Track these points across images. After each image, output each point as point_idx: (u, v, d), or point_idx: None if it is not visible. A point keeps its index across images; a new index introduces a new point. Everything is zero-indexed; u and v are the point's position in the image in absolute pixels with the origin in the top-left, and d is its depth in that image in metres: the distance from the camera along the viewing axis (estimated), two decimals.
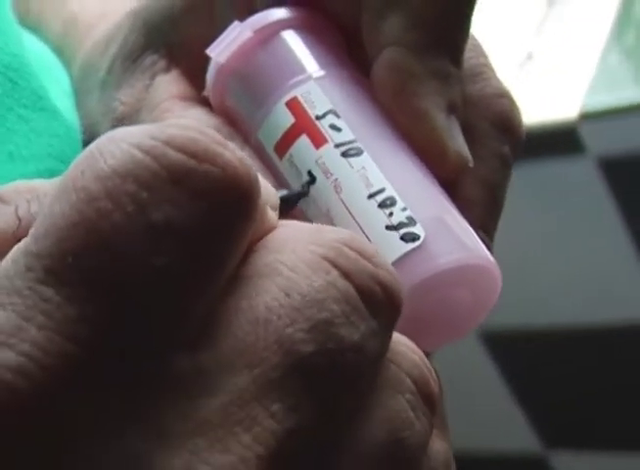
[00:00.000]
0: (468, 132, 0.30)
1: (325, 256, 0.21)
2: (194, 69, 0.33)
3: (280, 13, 0.31)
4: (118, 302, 0.19)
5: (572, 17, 1.28)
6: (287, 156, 0.29)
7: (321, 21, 0.32)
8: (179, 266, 0.19)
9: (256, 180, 0.21)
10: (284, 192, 0.26)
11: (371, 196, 0.27)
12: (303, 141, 0.28)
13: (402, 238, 0.26)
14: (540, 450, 1.46)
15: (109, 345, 0.19)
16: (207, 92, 0.32)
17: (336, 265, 0.21)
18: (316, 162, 0.28)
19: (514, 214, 1.32)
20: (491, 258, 0.27)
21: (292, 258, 0.21)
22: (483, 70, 0.32)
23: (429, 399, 0.23)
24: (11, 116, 0.33)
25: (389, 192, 0.27)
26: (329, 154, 0.28)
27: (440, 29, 0.30)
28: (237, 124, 0.31)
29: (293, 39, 0.31)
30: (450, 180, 0.30)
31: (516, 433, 1.44)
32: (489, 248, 0.29)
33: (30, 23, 0.42)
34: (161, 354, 0.20)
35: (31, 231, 0.20)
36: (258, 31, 0.31)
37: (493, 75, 0.32)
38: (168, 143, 0.19)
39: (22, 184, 0.23)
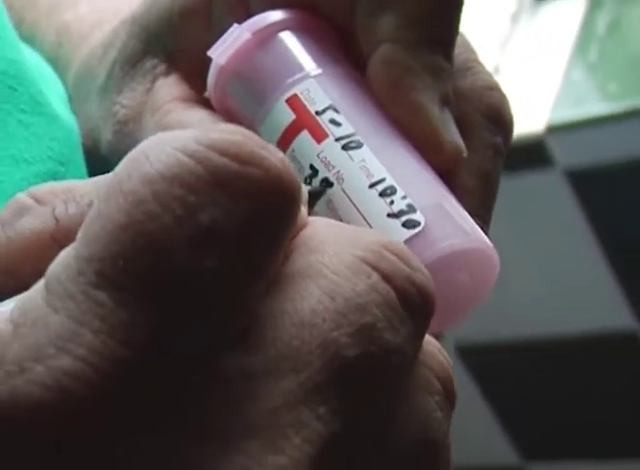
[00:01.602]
0: (461, 124, 0.32)
1: (365, 259, 0.22)
2: (193, 72, 0.34)
3: (277, 15, 0.32)
4: (169, 305, 0.19)
5: (537, 33, 1.30)
6: (289, 151, 0.30)
7: (317, 21, 0.33)
8: (227, 268, 0.20)
9: (298, 183, 0.21)
10: (309, 187, 0.27)
11: (372, 186, 0.28)
12: (305, 136, 0.29)
13: (404, 225, 0.27)
14: (517, 463, 1.46)
15: (160, 348, 0.19)
16: (209, 93, 0.33)
17: (376, 269, 0.22)
18: (318, 155, 0.29)
19: None
20: (489, 242, 0.28)
21: (334, 260, 0.22)
22: (473, 65, 0.33)
23: (452, 400, 0.23)
24: (11, 120, 0.34)
25: (389, 181, 0.28)
26: (330, 147, 0.29)
27: (432, 26, 0.31)
28: (238, 123, 0.32)
29: (290, 40, 0.32)
30: (446, 171, 0.31)
31: (493, 446, 1.45)
32: (485, 233, 0.30)
33: (24, 33, 0.43)
34: (211, 357, 0.20)
35: (80, 234, 0.20)
36: (257, 33, 0.32)
37: (483, 69, 0.34)
38: (213, 147, 0.20)
39: (57, 185, 0.24)
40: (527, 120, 1.18)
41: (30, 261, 0.23)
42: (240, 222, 0.20)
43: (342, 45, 0.33)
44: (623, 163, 1.18)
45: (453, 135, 0.31)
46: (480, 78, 0.33)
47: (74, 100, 0.38)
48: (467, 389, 1.40)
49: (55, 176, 0.35)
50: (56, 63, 0.40)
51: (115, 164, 0.34)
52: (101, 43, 0.37)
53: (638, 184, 1.19)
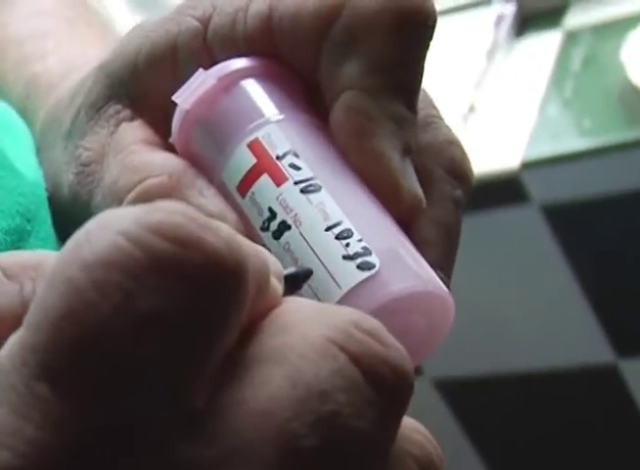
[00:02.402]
0: (422, 177, 0.32)
1: (333, 339, 0.21)
2: (158, 119, 0.34)
3: (241, 62, 0.33)
4: (110, 397, 0.19)
5: (512, 70, 1.32)
6: (249, 194, 0.30)
7: (280, 69, 0.33)
8: (169, 357, 0.19)
9: (243, 259, 0.20)
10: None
11: (329, 228, 0.28)
12: (264, 180, 0.30)
13: (359, 267, 0.27)
14: None
15: (106, 441, 0.19)
16: (174, 138, 0.33)
17: (344, 349, 0.21)
18: (277, 198, 0.29)
19: (461, 264, 1.34)
20: (444, 286, 0.29)
21: (299, 342, 0.21)
22: (434, 120, 0.34)
23: None
24: None
25: (346, 224, 0.28)
26: (289, 191, 0.29)
27: (396, 75, 0.31)
28: (201, 167, 0.32)
29: (253, 86, 0.32)
30: (406, 220, 0.31)
31: None
32: (447, 285, 0.30)
33: None
34: (158, 449, 0.19)
35: (25, 321, 0.20)
36: (221, 79, 0.32)
37: (444, 125, 0.34)
38: (153, 229, 0.19)
39: (27, 257, 0.23)
40: (503, 156, 1.19)
41: None
42: (180, 309, 0.19)
43: (306, 93, 0.33)
44: (599, 198, 1.18)
45: (413, 184, 0.31)
46: (442, 133, 0.33)
47: (41, 148, 0.38)
48: (446, 424, 1.40)
49: (22, 234, 0.35)
50: (24, 114, 0.41)
51: (76, 208, 0.34)
52: (68, 92, 0.37)
53: (614, 219, 1.20)
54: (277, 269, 0.23)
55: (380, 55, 0.31)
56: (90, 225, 0.20)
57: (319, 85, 0.32)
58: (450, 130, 0.34)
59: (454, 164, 0.33)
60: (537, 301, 1.29)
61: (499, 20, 1.32)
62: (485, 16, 1.34)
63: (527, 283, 1.28)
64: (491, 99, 1.27)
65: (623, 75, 1.16)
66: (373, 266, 0.27)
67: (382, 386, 0.21)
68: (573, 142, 1.18)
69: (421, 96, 0.33)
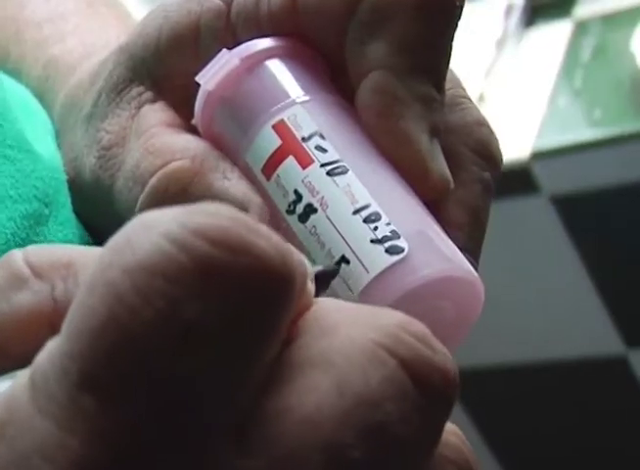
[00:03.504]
0: (449, 158, 0.31)
1: (382, 344, 0.20)
2: (180, 100, 0.34)
3: (266, 42, 0.32)
4: (157, 409, 0.18)
5: (522, 60, 1.31)
6: (274, 177, 0.30)
7: (305, 50, 0.33)
8: (214, 366, 0.18)
9: (292, 264, 0.19)
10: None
11: (356, 211, 0.28)
12: (290, 162, 0.29)
13: (387, 251, 0.27)
14: None
15: (151, 454, 0.18)
16: (196, 119, 0.33)
17: (394, 354, 0.20)
18: (302, 181, 0.29)
19: None
20: (473, 271, 0.28)
21: (347, 345, 0.20)
22: (463, 101, 0.33)
23: None
24: None
25: (374, 208, 0.28)
26: (315, 173, 0.29)
27: (424, 55, 0.31)
28: (225, 149, 0.32)
29: (278, 67, 0.32)
30: (433, 201, 0.30)
31: None
32: (475, 268, 0.29)
33: (10, 68, 0.43)
34: (206, 459, 0.19)
35: (64, 326, 0.19)
36: (245, 59, 0.32)
37: (472, 105, 0.33)
38: (198, 232, 0.18)
39: (58, 256, 0.22)
40: (513, 147, 1.19)
41: (21, 341, 0.22)
42: (228, 317, 0.18)
43: (331, 73, 0.33)
44: (609, 188, 1.18)
45: (441, 166, 0.30)
46: (470, 114, 0.33)
47: (60, 132, 0.38)
48: (454, 415, 1.40)
49: (40, 218, 0.34)
50: (43, 96, 0.40)
51: (98, 192, 0.34)
52: (88, 75, 0.37)
53: (624, 210, 1.20)
54: (310, 271, 0.22)
55: (407, 34, 0.31)
56: (130, 226, 0.19)
57: (345, 66, 0.32)
58: (478, 111, 0.33)
59: (482, 146, 0.33)
60: (547, 291, 1.29)
61: (509, 9, 1.32)
62: (496, 5, 1.34)
63: (537, 274, 1.28)
64: (501, 89, 1.27)
65: (634, 65, 1.16)
66: (402, 250, 0.27)
67: (430, 392, 0.20)
68: (584, 132, 1.18)
69: (448, 76, 0.32)
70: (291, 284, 0.19)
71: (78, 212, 0.37)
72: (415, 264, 0.27)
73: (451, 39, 0.32)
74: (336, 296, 0.27)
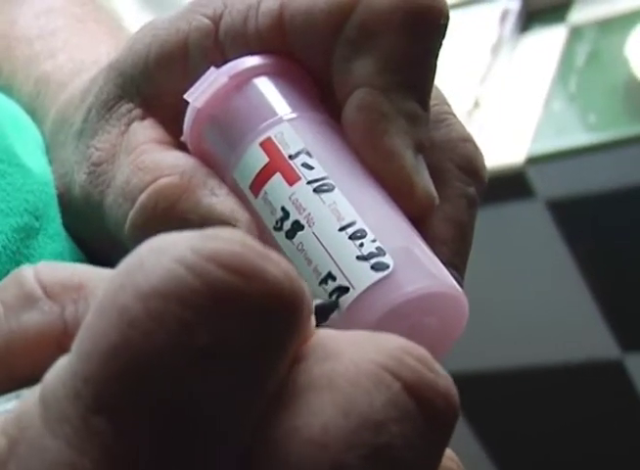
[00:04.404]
0: (435, 174, 0.32)
1: (386, 366, 0.20)
2: (169, 118, 0.34)
3: (253, 60, 0.33)
4: (169, 433, 0.18)
5: (517, 65, 1.32)
6: (262, 193, 0.30)
7: (293, 67, 0.33)
8: (230, 390, 0.19)
9: (303, 292, 0.20)
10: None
11: (342, 228, 0.28)
12: (277, 179, 0.30)
13: (372, 267, 0.27)
14: None
15: None
16: (185, 136, 0.33)
17: (398, 377, 0.20)
18: (289, 198, 0.29)
19: (468, 260, 1.34)
20: (458, 287, 0.28)
21: (351, 369, 0.20)
22: (447, 117, 0.34)
23: None
24: None
25: (360, 225, 0.28)
26: (302, 190, 0.29)
27: (410, 72, 0.31)
28: (213, 166, 0.32)
29: (266, 84, 0.32)
30: (419, 217, 0.31)
31: None
32: (460, 283, 0.30)
33: (2, 83, 0.43)
34: None
35: (75, 347, 0.19)
36: (234, 77, 0.32)
37: (457, 121, 0.34)
38: (211, 258, 0.19)
39: (68, 275, 0.23)
40: (508, 152, 1.19)
41: (28, 361, 0.22)
42: (241, 342, 0.19)
43: (318, 91, 0.33)
44: (604, 193, 1.18)
45: (426, 182, 0.31)
46: (454, 130, 0.33)
47: (51, 147, 0.38)
48: None
49: (30, 232, 0.34)
50: (34, 113, 0.40)
51: (87, 208, 0.34)
52: (79, 91, 0.37)
53: (619, 214, 1.20)
54: (311, 304, 0.23)
55: (393, 52, 0.31)
56: (142, 250, 0.19)
57: (331, 83, 0.32)
58: (463, 127, 0.34)
59: (467, 162, 0.33)
60: (542, 295, 1.29)
61: (504, 15, 1.32)
62: (491, 11, 1.34)
63: (532, 278, 1.29)
64: (496, 94, 1.27)
65: (628, 70, 1.16)
66: (387, 267, 0.27)
67: (433, 415, 0.20)
68: (578, 137, 1.18)
69: (433, 93, 0.33)
70: (299, 309, 0.20)
71: (68, 227, 0.37)
72: (400, 281, 0.27)
73: (437, 56, 0.32)
74: None
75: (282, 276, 0.19)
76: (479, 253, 1.21)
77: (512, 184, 1.20)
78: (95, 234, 0.36)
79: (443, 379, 0.21)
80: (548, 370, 1.34)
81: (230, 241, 0.19)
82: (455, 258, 0.31)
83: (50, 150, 0.38)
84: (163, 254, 0.19)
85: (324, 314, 0.26)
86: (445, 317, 0.28)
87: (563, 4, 1.35)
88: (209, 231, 0.20)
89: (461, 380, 1.31)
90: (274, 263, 0.19)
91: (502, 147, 1.21)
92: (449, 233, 0.32)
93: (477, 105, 1.24)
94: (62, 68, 0.40)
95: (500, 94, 1.27)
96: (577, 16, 1.33)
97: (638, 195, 1.18)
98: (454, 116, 0.34)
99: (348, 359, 0.20)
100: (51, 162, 0.38)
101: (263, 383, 0.20)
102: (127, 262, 0.19)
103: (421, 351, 0.21)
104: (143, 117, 0.34)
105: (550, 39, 1.32)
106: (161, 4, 1.47)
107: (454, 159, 0.33)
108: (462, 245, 0.32)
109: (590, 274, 1.24)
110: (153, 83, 0.34)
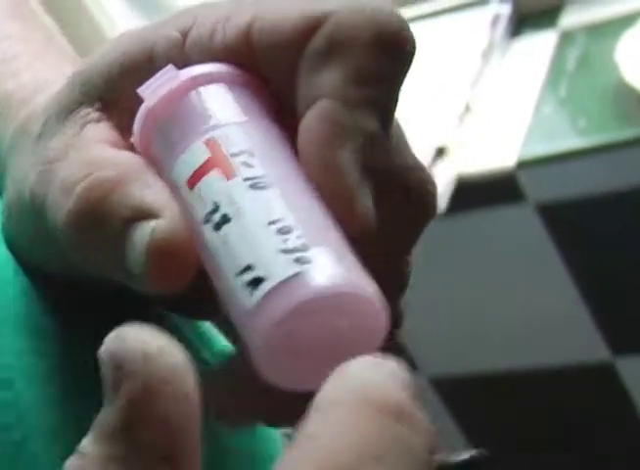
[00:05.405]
0: (383, 199, 0.31)
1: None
2: (125, 123, 0.34)
3: (212, 67, 0.33)
4: None
5: (507, 69, 1.32)
6: (197, 187, 0.30)
7: (252, 80, 0.33)
8: None
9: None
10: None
11: (270, 223, 0.28)
12: (214, 174, 0.30)
13: (293, 261, 0.27)
14: None
15: None
16: (134, 135, 0.33)
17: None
18: (223, 192, 0.29)
19: (458, 263, 1.35)
20: (372, 290, 0.28)
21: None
22: (402, 145, 0.34)
23: None
24: None
25: (289, 221, 0.28)
26: (236, 186, 0.29)
27: (375, 90, 0.31)
28: (157, 164, 0.33)
29: (220, 90, 0.33)
30: (354, 238, 0.30)
31: None
32: (398, 320, 0.30)
33: None
34: None
35: None
36: (188, 80, 0.32)
37: (410, 149, 0.34)
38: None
39: None
40: (498, 156, 1.20)
41: None
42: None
43: (277, 106, 0.33)
44: (594, 197, 1.19)
45: (366, 205, 0.30)
46: (409, 157, 0.34)
47: (7, 157, 0.38)
48: (442, 421, 1.40)
49: None
50: None
51: (33, 211, 0.34)
52: (41, 106, 0.37)
53: (609, 218, 1.21)
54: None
55: (361, 67, 0.31)
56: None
57: (294, 100, 0.32)
58: (415, 156, 0.34)
59: (418, 190, 0.33)
60: (533, 299, 1.30)
61: (495, 19, 1.33)
62: (481, 16, 1.35)
63: (523, 282, 1.29)
64: (487, 99, 1.28)
65: (618, 75, 1.17)
66: (308, 262, 0.27)
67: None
68: (569, 141, 1.19)
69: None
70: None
71: (8, 237, 0.38)
72: (315, 278, 0.27)
73: (400, 82, 0.32)
74: (235, 303, 0.28)
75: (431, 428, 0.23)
76: (468, 255, 1.21)
77: (502, 188, 1.21)
78: (34, 244, 0.36)
79: None
80: (538, 373, 1.35)
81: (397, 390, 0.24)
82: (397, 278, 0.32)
83: (6, 160, 0.38)
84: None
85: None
86: (357, 320, 0.28)
87: (553, 9, 1.35)
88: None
89: (452, 383, 1.31)
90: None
91: (493, 151, 1.21)
92: (396, 250, 0.32)
93: (468, 109, 1.25)
94: (25, 86, 0.41)
95: (491, 98, 1.28)
96: (568, 20, 1.33)
97: (628, 199, 1.18)
98: (408, 144, 0.34)
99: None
100: (5, 171, 0.38)
101: None
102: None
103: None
104: (99, 120, 0.35)
105: (540, 44, 1.32)
106: (152, 6, 1.48)
107: (406, 185, 0.33)
108: (403, 270, 0.33)
109: (580, 277, 1.24)
110: (114, 89, 0.34)
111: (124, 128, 0.34)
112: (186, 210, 0.30)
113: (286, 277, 0.27)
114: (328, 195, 0.30)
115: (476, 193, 1.23)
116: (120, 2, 1.45)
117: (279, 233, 0.28)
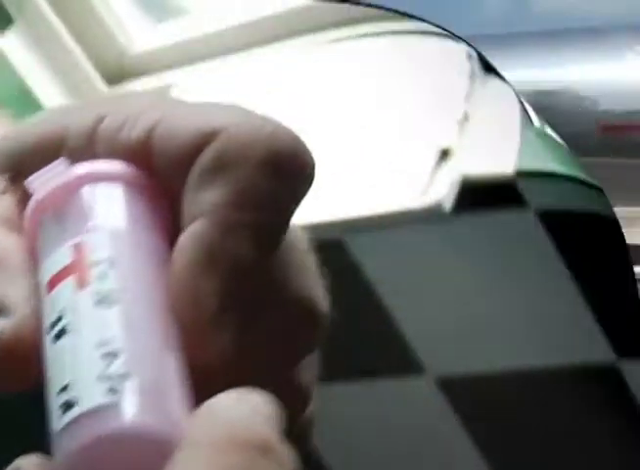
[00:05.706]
0: (260, 320, 0.31)
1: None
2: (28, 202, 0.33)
3: (110, 165, 0.32)
4: None
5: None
6: (52, 293, 0.29)
7: (150, 185, 0.32)
8: None
9: None
10: None
11: (99, 345, 0.27)
12: (69, 282, 0.29)
13: (106, 390, 0.26)
14: None
15: None
16: (25, 225, 0.33)
17: None
18: (70, 303, 0.29)
19: (458, 265, 1.34)
20: (176, 435, 0.26)
21: None
22: (293, 275, 0.33)
23: None
24: None
25: (118, 345, 0.27)
26: (83, 298, 0.28)
27: (261, 213, 0.30)
28: (35, 258, 0.32)
29: (110, 192, 0.32)
30: (200, 377, 0.29)
31: None
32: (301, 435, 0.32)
33: None
34: None
35: None
36: (76, 178, 0.32)
37: (307, 281, 0.33)
38: None
39: None
40: (499, 163, 1.19)
41: None
42: None
43: (169, 215, 0.32)
44: None
45: (225, 345, 0.29)
46: (299, 288, 0.33)
47: None
48: (449, 422, 1.40)
49: None
50: None
51: None
52: None
53: None
54: None
55: (244, 188, 0.30)
56: None
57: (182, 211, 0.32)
58: (310, 288, 0.33)
59: (297, 324, 0.33)
60: (534, 301, 1.29)
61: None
62: None
63: (525, 284, 1.29)
64: (485, 108, 1.27)
65: None
66: (118, 393, 0.26)
67: None
68: None
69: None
70: None
71: None
72: (113, 416, 0.26)
73: (295, 206, 0.31)
74: (51, 421, 0.27)
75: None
76: (469, 260, 1.20)
77: (503, 194, 1.20)
78: None
79: None
80: (540, 376, 1.34)
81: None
82: None
83: None
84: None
85: None
86: (154, 459, 0.26)
87: None
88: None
89: (454, 384, 1.30)
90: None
91: (490, 158, 1.21)
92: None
93: (466, 118, 1.24)
94: None
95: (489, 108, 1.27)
96: None
97: None
98: (309, 273, 0.33)
99: None
100: None
101: None
102: None
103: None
104: (4, 192, 0.34)
105: None
106: (161, 8, 1.49)
107: (286, 317, 0.32)
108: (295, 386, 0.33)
109: (582, 283, 1.24)
110: (23, 163, 0.34)
111: (25, 206, 0.34)
112: (43, 314, 0.30)
113: (90, 407, 0.26)
114: (181, 324, 0.29)
115: (476, 198, 1.22)
116: (129, 3, 1.46)
117: (104, 357, 0.27)
